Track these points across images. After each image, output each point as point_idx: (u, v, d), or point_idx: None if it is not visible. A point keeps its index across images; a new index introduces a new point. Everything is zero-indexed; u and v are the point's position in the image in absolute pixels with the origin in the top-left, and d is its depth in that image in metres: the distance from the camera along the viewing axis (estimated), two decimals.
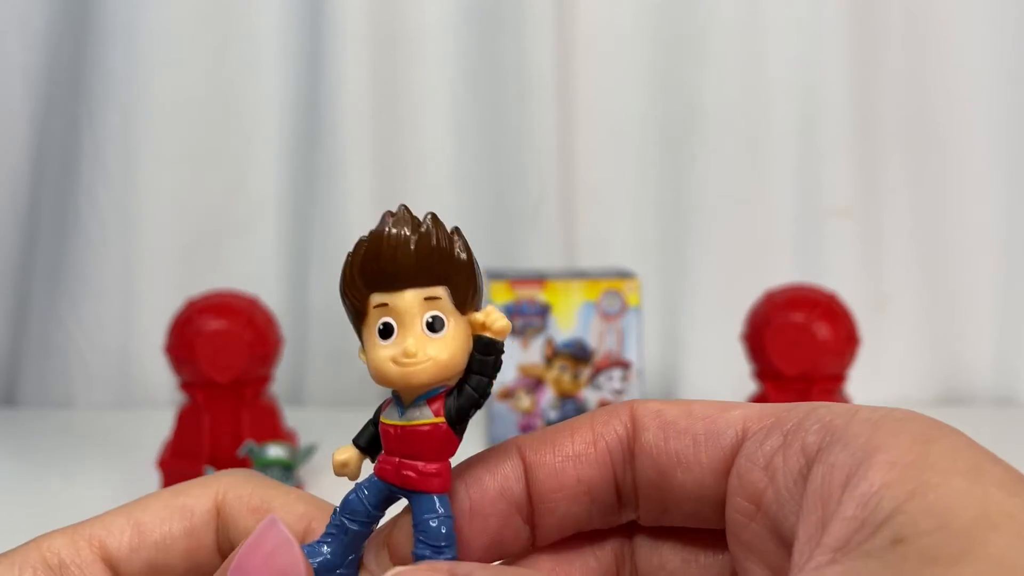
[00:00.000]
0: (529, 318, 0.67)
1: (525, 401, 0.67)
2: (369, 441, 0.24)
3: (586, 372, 0.68)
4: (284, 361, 0.74)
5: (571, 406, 0.68)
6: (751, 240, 0.97)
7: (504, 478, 0.24)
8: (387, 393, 0.23)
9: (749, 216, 0.97)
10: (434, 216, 0.22)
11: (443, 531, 0.22)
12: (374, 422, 0.24)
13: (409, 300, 0.22)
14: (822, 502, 0.19)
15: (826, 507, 0.18)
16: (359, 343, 0.23)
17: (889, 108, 0.97)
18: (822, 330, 0.66)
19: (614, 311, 0.68)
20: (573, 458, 0.23)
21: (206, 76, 0.97)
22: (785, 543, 0.20)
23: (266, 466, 0.63)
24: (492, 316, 0.23)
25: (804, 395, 0.65)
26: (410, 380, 0.22)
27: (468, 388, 0.23)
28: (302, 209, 0.97)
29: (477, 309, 0.23)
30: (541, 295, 0.68)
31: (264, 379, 0.69)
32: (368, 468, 0.24)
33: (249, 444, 0.64)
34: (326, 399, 0.97)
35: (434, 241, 0.22)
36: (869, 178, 0.97)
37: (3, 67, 0.97)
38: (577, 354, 0.68)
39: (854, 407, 0.21)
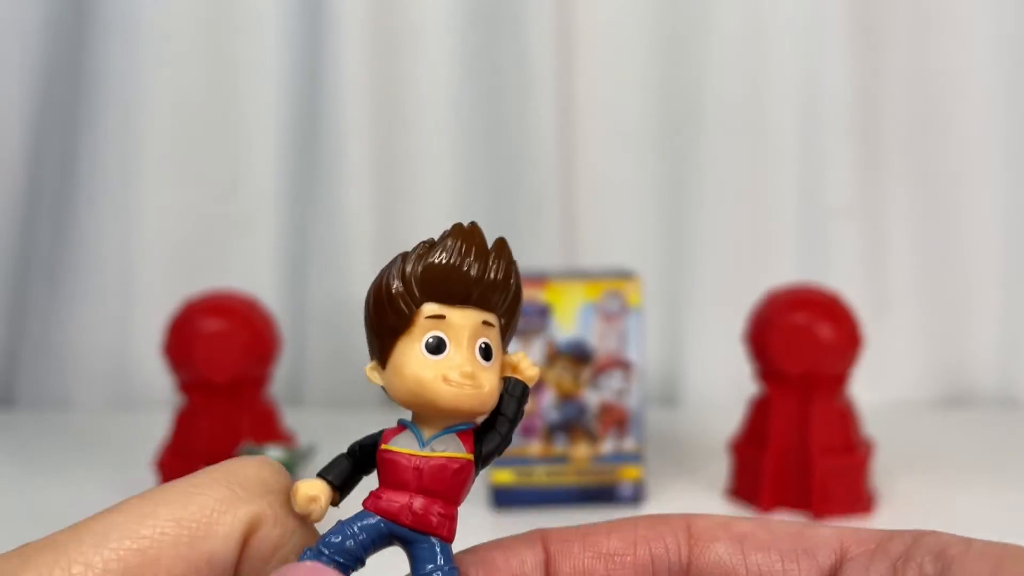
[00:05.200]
0: (529, 319, 0.67)
1: None
2: (343, 477, 0.21)
3: (587, 373, 0.68)
4: (283, 361, 0.73)
5: (572, 407, 0.67)
6: (753, 239, 0.96)
7: (520, 563, 0.21)
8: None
9: (751, 215, 0.96)
10: (503, 241, 0.22)
11: None
12: (354, 454, 0.21)
13: (470, 318, 0.21)
14: None
15: None
16: (372, 358, 0.21)
17: (892, 106, 0.96)
18: (824, 330, 0.65)
19: (615, 311, 0.67)
20: (606, 557, 0.21)
21: (204, 75, 0.96)
22: None
23: None
24: (526, 362, 0.22)
25: (806, 395, 0.65)
26: (461, 404, 0.20)
27: (497, 432, 0.21)
28: (301, 208, 0.97)
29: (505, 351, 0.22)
30: (542, 296, 0.67)
31: (262, 380, 0.69)
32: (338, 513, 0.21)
33: (247, 445, 0.64)
34: (325, 400, 0.97)
35: (505, 268, 0.22)
36: (872, 177, 0.97)
37: (0, 66, 0.96)
38: (578, 355, 0.67)
39: (966, 539, 0.20)
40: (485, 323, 0.21)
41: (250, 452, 0.63)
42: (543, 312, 0.68)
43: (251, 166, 0.97)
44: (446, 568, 0.20)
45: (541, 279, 0.68)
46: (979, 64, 0.95)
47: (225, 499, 0.19)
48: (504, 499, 0.66)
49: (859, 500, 0.65)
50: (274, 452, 0.63)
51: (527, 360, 0.22)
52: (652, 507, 0.67)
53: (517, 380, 0.21)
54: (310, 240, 0.97)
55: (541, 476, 0.67)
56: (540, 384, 0.68)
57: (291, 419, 0.72)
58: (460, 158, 0.97)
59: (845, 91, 0.95)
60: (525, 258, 1.03)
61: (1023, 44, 0.95)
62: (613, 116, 0.97)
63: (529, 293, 0.68)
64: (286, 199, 0.97)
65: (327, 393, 0.97)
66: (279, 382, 0.75)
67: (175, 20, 0.95)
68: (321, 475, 0.21)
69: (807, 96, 0.95)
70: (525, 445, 0.67)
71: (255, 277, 0.94)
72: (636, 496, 0.67)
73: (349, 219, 0.94)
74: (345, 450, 0.22)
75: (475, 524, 0.63)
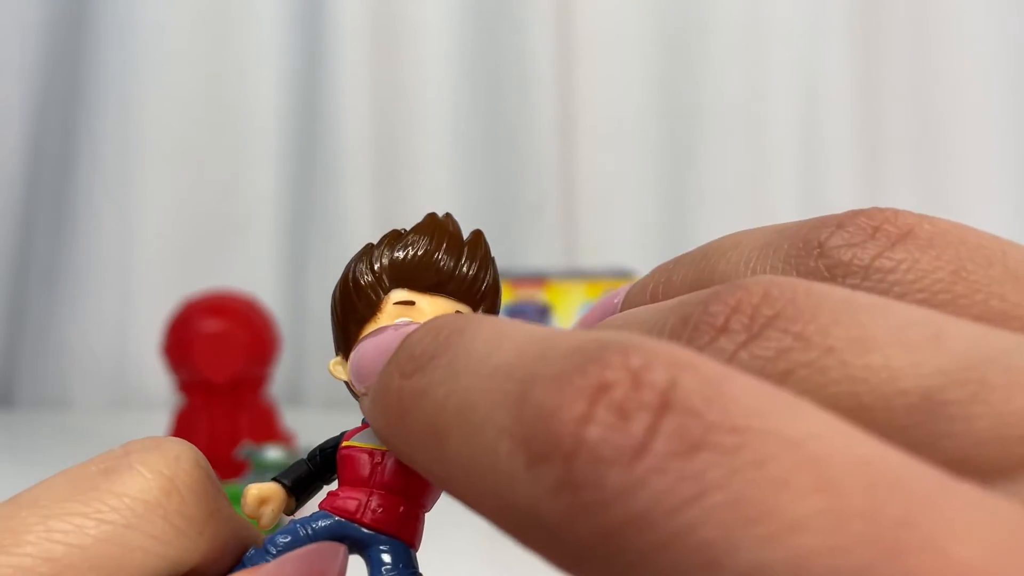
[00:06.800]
0: (529, 319, 0.67)
1: None
2: (298, 482, 0.19)
3: None
4: (283, 361, 0.73)
5: None
6: None
7: None
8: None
9: (751, 215, 0.96)
10: (480, 233, 0.21)
11: None
12: (314, 459, 0.20)
13: (442, 306, 0.20)
14: None
15: None
16: (338, 353, 0.20)
17: (893, 108, 0.97)
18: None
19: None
20: None
21: (203, 75, 0.96)
22: None
23: (264, 468, 0.62)
24: None
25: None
26: None
27: None
28: (300, 208, 0.97)
29: None
30: (542, 295, 0.67)
31: (262, 380, 0.69)
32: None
33: (247, 446, 0.64)
34: (325, 400, 0.97)
35: (480, 262, 0.20)
36: (872, 179, 0.97)
37: (0, 65, 0.96)
38: None
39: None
40: (458, 313, 0.20)
41: (249, 453, 0.63)
42: (543, 312, 0.68)
43: (251, 166, 0.97)
44: (406, 572, 0.18)
45: (541, 279, 0.68)
46: (980, 64, 0.95)
47: (160, 554, 0.16)
48: None
49: None
50: (274, 452, 0.63)
51: None
52: None
53: None
54: (309, 240, 0.97)
55: None
56: None
57: (291, 419, 0.72)
58: (460, 158, 0.97)
59: (845, 91, 0.96)
60: (525, 257, 1.03)
61: (1023, 45, 0.95)
62: (613, 116, 0.97)
63: (529, 293, 0.68)
64: (286, 199, 0.97)
65: (327, 393, 0.97)
66: (279, 382, 0.75)
67: (175, 20, 0.95)
68: (276, 479, 0.19)
69: (807, 96, 0.95)
70: None
71: (255, 277, 0.94)
72: None
73: (349, 219, 0.94)
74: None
75: (475, 525, 0.63)
